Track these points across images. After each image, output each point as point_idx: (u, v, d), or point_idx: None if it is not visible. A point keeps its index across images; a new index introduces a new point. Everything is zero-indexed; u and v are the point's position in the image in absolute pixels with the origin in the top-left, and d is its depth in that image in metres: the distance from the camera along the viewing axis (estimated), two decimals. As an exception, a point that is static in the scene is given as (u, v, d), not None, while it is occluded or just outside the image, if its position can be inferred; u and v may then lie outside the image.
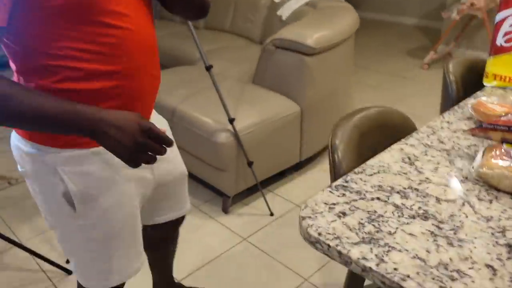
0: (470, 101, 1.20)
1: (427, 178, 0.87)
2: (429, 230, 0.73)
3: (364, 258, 0.67)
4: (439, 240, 0.71)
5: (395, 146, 0.99)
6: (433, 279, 0.63)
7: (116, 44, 0.89)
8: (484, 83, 1.33)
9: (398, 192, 0.83)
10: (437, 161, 0.93)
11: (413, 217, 0.76)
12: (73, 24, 0.84)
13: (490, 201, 0.80)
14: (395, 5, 5.95)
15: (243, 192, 2.27)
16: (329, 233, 0.73)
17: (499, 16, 1.25)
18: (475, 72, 1.66)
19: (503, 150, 0.84)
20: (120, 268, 1.08)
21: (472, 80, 1.59)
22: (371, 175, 0.89)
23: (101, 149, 0.96)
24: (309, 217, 0.77)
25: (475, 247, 0.69)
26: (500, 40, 1.26)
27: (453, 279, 0.63)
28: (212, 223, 2.16)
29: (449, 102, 1.58)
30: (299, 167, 2.61)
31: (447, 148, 0.98)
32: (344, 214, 0.77)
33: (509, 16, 1.23)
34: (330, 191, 0.84)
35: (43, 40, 0.83)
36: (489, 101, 1.09)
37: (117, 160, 0.93)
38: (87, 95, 0.90)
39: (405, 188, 0.84)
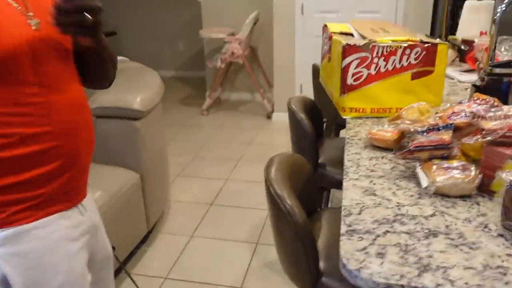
0: (357, 133, 1.43)
1: (398, 203, 1.00)
2: (447, 244, 0.85)
3: (440, 285, 0.74)
4: (462, 248, 0.84)
5: (347, 184, 1.10)
6: (494, 279, 0.75)
7: (44, 103, 0.85)
8: (344, 117, 1.59)
9: (394, 221, 0.93)
10: (387, 187, 1.08)
11: (427, 237, 0.88)
12: None
13: (454, 207, 0.99)
14: (150, 61, 6.18)
15: None
16: (392, 275, 0.77)
17: (344, 62, 1.52)
18: (308, 108, 1.95)
19: (437, 166, 1.05)
20: None
21: (309, 115, 1.86)
22: (359, 213, 0.96)
23: (39, 223, 0.86)
24: (361, 267, 0.79)
25: (486, 245, 0.85)
26: (350, 80, 1.54)
27: (504, 274, 0.77)
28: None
29: (306, 138, 1.80)
30: (146, 238, 2.44)
31: (381, 174, 1.15)
32: (381, 254, 0.82)
33: (352, 60, 1.52)
34: (348, 239, 0.87)
35: None
36: (377, 130, 1.33)
37: (59, 235, 0.89)
38: (20, 161, 0.83)
39: (395, 216, 0.95)
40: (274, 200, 1.16)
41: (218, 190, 3.14)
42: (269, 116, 4.65)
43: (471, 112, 1.14)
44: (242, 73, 5.14)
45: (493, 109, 1.16)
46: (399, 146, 1.30)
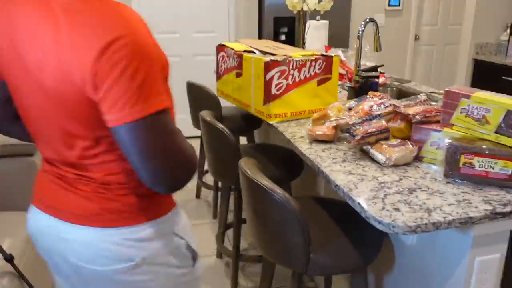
0: (294, 133, 1.71)
1: (373, 176, 1.33)
2: (425, 193, 1.21)
3: (446, 217, 1.08)
4: (436, 194, 1.21)
5: (326, 170, 1.37)
6: (467, 207, 1.14)
7: None
8: (270, 122, 1.85)
9: (382, 188, 1.25)
10: (355, 167, 1.40)
11: (411, 192, 1.22)
12: None
13: (407, 171, 1.36)
14: None
15: None
16: (415, 219, 1.07)
17: (269, 75, 1.79)
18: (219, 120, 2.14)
19: (385, 145, 1.41)
20: None
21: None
22: (356, 188, 1.25)
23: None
24: (393, 220, 1.07)
25: (446, 189, 1.24)
26: (274, 90, 1.81)
27: (470, 203, 1.16)
28: None
29: (230, 145, 1.99)
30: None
31: (341, 159, 1.46)
32: (397, 208, 1.13)
33: (275, 73, 1.80)
34: (368, 205, 1.15)
35: None
36: (313, 127, 1.64)
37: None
38: None
39: (379, 184, 1.27)
40: (266, 194, 1.35)
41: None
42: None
43: (391, 104, 1.56)
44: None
45: (399, 101, 1.60)
46: (337, 137, 1.64)
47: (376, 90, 2.11)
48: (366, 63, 2.65)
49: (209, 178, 3.51)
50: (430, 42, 5.29)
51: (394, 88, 2.60)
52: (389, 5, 4.96)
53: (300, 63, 1.84)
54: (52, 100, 0.85)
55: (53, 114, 0.88)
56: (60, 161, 0.95)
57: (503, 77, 3.60)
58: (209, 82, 4.56)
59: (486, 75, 3.81)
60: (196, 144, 4.41)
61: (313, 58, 1.86)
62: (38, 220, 1.00)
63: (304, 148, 1.58)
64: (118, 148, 0.90)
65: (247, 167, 1.46)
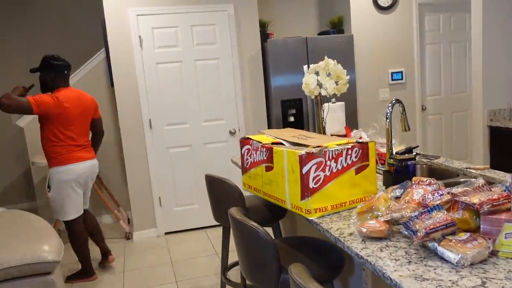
0: (341, 229, 1.56)
1: (451, 280, 1.16)
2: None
3: None
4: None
5: (394, 277, 1.21)
6: None
7: None
8: (310, 218, 1.71)
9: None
10: (423, 269, 1.23)
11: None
12: None
13: (488, 271, 1.20)
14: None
15: None
16: None
17: (305, 169, 1.68)
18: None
19: (455, 241, 1.26)
20: None
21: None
22: None
23: None
24: None
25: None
26: (311, 184, 1.69)
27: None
28: None
29: (266, 245, 1.83)
30: None
31: (406, 261, 1.30)
32: None
33: (311, 166, 1.69)
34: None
35: None
36: (364, 223, 1.49)
37: None
38: None
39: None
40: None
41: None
42: (128, 237, 4.34)
43: (448, 192, 1.43)
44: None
45: (454, 188, 1.47)
46: (390, 233, 1.49)
47: (414, 173, 1.99)
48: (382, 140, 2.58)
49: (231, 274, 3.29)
50: (437, 111, 5.30)
51: (424, 166, 2.49)
52: (392, 80, 5.02)
53: (336, 153, 1.74)
54: None
55: None
56: None
57: (524, 142, 3.52)
58: (222, 169, 4.46)
59: (506, 141, 3.73)
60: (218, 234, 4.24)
61: (349, 146, 1.76)
62: None
63: (359, 248, 1.42)
64: None
65: (297, 275, 1.29)
